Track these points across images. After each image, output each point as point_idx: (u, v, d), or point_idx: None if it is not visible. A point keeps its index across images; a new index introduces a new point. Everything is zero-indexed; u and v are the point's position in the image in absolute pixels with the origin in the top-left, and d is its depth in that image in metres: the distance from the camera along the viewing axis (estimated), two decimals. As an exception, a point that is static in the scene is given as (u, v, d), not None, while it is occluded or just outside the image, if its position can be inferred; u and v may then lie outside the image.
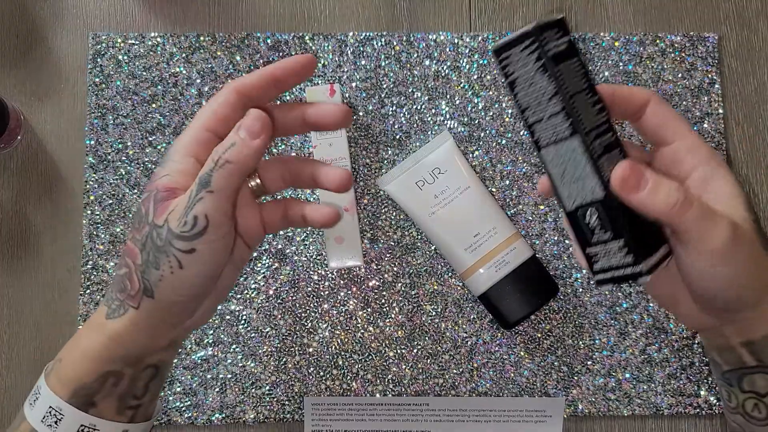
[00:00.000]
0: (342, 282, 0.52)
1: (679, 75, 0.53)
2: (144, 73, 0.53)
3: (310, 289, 0.52)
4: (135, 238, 0.34)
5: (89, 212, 0.52)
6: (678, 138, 0.35)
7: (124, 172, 0.52)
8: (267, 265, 0.52)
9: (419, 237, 0.52)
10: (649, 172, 0.32)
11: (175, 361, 0.51)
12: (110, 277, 0.33)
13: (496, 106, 0.53)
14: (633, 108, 0.35)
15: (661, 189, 0.31)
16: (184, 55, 0.53)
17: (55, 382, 0.35)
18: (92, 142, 0.52)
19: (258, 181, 0.36)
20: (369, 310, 0.52)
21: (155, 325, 0.35)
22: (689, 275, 0.34)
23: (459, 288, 0.52)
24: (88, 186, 0.52)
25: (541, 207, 0.52)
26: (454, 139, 0.52)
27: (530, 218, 0.52)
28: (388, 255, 0.52)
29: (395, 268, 0.52)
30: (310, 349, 0.51)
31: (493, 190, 0.52)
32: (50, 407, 0.34)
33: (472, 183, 0.50)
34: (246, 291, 0.52)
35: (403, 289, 0.52)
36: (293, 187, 0.38)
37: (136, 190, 0.52)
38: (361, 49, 0.53)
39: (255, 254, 0.52)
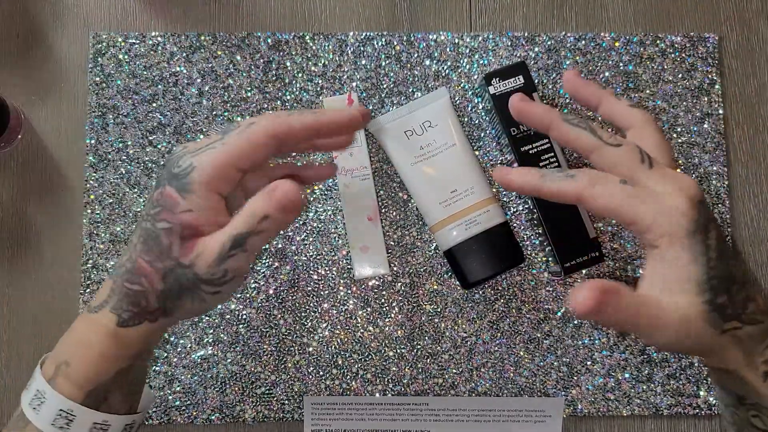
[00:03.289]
0: (342, 282, 0.52)
1: (680, 75, 0.53)
2: (144, 73, 0.53)
3: (310, 288, 0.52)
4: (154, 265, 0.34)
5: (89, 211, 0.52)
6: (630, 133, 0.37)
7: (124, 171, 0.52)
8: (267, 264, 0.52)
9: (419, 237, 0.52)
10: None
11: (175, 360, 0.51)
12: (112, 281, 0.34)
13: (497, 106, 0.53)
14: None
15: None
16: (184, 54, 0.53)
17: (66, 385, 0.35)
18: (93, 141, 0.52)
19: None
20: (369, 309, 0.52)
21: (164, 330, 0.37)
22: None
23: (459, 288, 0.52)
24: (88, 185, 0.52)
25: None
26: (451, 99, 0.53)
27: (527, 222, 0.52)
28: (388, 255, 0.52)
29: (395, 268, 0.52)
30: (310, 349, 0.51)
31: (493, 191, 0.52)
32: (61, 410, 0.34)
33: (458, 141, 0.51)
34: (246, 290, 0.52)
35: (403, 288, 0.52)
36: None
37: (136, 189, 0.52)
38: (362, 48, 0.53)
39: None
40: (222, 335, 0.51)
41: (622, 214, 0.34)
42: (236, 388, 0.51)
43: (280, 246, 0.52)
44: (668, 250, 0.33)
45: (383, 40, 0.53)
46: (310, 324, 0.51)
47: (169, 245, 0.33)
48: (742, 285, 0.34)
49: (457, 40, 0.53)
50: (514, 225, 0.52)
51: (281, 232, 0.35)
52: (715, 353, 0.35)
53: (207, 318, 0.51)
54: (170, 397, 0.51)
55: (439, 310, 0.52)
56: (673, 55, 0.53)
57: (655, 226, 0.33)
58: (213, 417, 0.51)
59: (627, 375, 0.51)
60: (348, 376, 0.51)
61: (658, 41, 0.53)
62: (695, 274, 0.33)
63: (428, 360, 0.51)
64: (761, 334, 0.35)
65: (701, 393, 0.51)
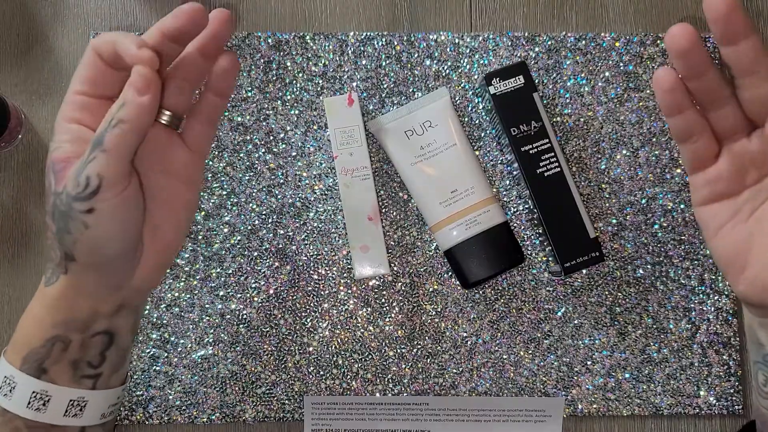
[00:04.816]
0: (342, 282, 0.52)
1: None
2: (145, 73, 0.53)
3: (310, 288, 0.52)
4: (47, 210, 0.35)
5: (90, 211, 0.52)
6: None
7: (124, 171, 0.52)
8: (267, 264, 0.52)
9: (419, 237, 0.52)
10: None
11: (175, 359, 0.51)
12: None
13: (497, 106, 0.53)
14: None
15: None
16: (184, 54, 0.53)
17: (10, 352, 0.36)
18: (93, 141, 0.52)
19: (167, 113, 0.36)
20: (369, 309, 0.52)
21: (90, 289, 0.35)
22: None
23: (459, 288, 0.52)
24: (88, 185, 0.52)
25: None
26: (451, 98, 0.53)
27: (527, 222, 0.52)
28: (388, 254, 0.52)
29: (395, 268, 0.52)
30: (310, 349, 0.51)
31: (494, 191, 0.52)
32: (5, 377, 0.35)
33: (459, 141, 0.51)
34: (246, 290, 0.52)
35: (403, 288, 0.52)
36: (197, 87, 0.37)
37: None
38: (362, 48, 0.53)
39: (255, 253, 0.52)
40: (222, 335, 0.51)
41: None
42: (236, 388, 0.51)
43: (280, 246, 0.52)
44: None
45: (383, 40, 0.53)
46: (310, 324, 0.52)
47: (49, 184, 0.34)
48: None
49: (457, 40, 0.53)
50: (514, 225, 0.52)
51: (144, 127, 0.33)
52: None
53: (207, 318, 0.51)
54: (170, 397, 0.51)
55: (439, 309, 0.52)
56: (673, 55, 0.53)
57: None
58: (213, 417, 0.51)
59: (627, 375, 0.51)
60: (348, 376, 0.51)
61: (658, 41, 0.53)
62: None
63: (428, 360, 0.51)
64: None
65: (701, 393, 0.51)
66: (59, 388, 0.35)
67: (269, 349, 0.51)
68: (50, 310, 0.35)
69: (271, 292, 0.52)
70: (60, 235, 0.34)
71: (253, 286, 0.52)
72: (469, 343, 0.52)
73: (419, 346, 0.52)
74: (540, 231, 0.50)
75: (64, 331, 0.35)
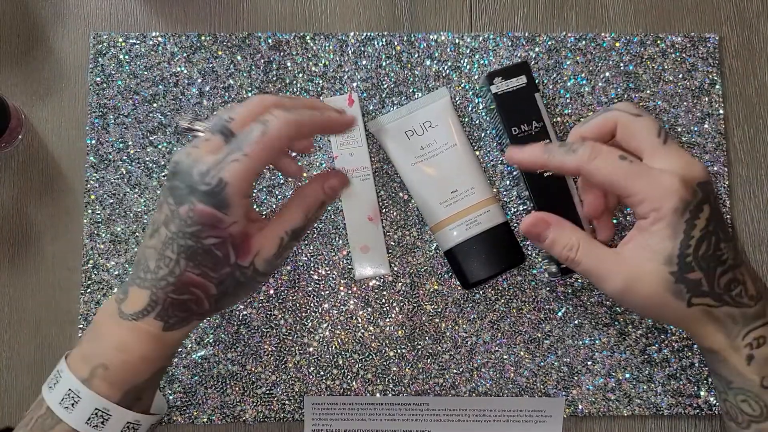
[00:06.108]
0: (342, 282, 0.52)
1: (680, 75, 0.53)
2: (145, 73, 0.53)
3: (310, 288, 0.52)
4: (208, 275, 0.37)
5: (90, 211, 0.52)
6: (645, 157, 0.38)
7: (125, 172, 0.52)
8: (267, 264, 0.52)
9: (419, 237, 0.52)
10: (552, 227, 0.40)
11: (176, 360, 0.51)
12: (149, 291, 0.36)
13: (497, 106, 0.53)
14: (607, 137, 0.40)
15: (558, 243, 0.40)
16: (185, 54, 0.53)
17: (103, 386, 0.37)
18: (93, 142, 0.52)
19: None
20: (369, 309, 0.52)
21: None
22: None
23: (459, 288, 0.52)
24: (89, 185, 0.52)
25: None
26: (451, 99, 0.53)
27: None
28: (388, 255, 0.52)
29: (395, 268, 0.52)
30: (311, 349, 0.51)
31: (494, 191, 0.52)
32: (96, 409, 0.36)
33: (459, 141, 0.51)
34: (246, 290, 0.52)
35: (403, 289, 0.52)
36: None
37: (137, 190, 0.52)
38: (362, 49, 0.53)
39: (255, 254, 0.52)
40: (222, 335, 0.51)
41: (617, 187, 0.37)
42: (236, 388, 0.51)
43: (280, 246, 0.52)
44: (653, 224, 0.36)
45: (384, 40, 0.53)
46: (310, 324, 0.52)
47: (225, 255, 0.37)
48: (730, 268, 0.37)
49: (457, 40, 0.53)
50: (515, 225, 0.52)
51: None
52: (690, 328, 0.37)
53: (207, 318, 0.51)
54: (170, 397, 0.51)
55: (439, 310, 0.52)
56: (673, 55, 0.53)
57: (647, 201, 0.36)
58: (213, 417, 0.51)
59: (627, 375, 0.51)
60: (348, 376, 0.51)
61: (658, 41, 0.53)
62: (669, 248, 0.36)
63: (429, 360, 0.51)
64: (745, 318, 0.37)
65: (702, 393, 0.51)
66: (147, 417, 0.38)
67: (269, 349, 0.51)
68: (165, 350, 0.39)
69: (271, 292, 0.52)
70: (221, 297, 0.38)
71: (254, 286, 0.52)
72: (469, 343, 0.52)
73: (419, 347, 0.52)
74: None
75: (167, 363, 0.40)
